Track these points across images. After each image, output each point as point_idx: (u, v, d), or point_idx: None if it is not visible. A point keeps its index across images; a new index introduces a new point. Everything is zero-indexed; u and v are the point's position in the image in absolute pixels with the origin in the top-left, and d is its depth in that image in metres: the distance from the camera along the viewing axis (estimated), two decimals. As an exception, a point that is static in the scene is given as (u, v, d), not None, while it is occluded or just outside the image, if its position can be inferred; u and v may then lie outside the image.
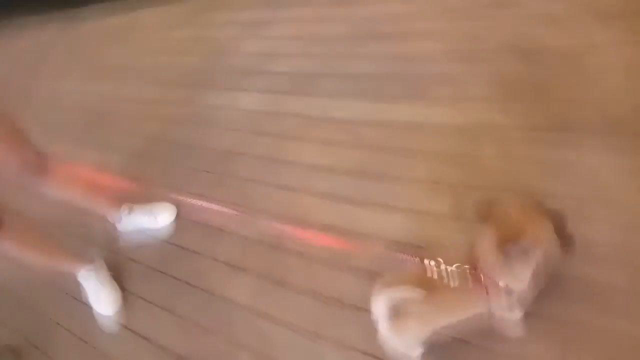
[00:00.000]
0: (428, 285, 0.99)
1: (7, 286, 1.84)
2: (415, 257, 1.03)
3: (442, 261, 1.01)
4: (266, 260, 1.53)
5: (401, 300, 1.00)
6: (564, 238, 0.97)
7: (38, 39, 3.61)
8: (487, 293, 0.98)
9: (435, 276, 1.00)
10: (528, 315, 1.09)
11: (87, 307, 1.65)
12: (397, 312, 1.01)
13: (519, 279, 0.99)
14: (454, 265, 1.01)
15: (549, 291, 1.08)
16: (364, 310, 1.08)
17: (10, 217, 1.31)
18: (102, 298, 1.65)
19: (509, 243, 0.93)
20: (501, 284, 0.98)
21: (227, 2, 2.92)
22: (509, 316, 1.07)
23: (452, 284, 0.99)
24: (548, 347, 1.08)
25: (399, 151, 1.61)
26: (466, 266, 0.99)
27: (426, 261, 1.01)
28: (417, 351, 1.11)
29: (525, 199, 1.01)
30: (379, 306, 1.01)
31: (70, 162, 1.48)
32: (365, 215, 1.49)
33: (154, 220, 1.79)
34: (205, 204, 1.68)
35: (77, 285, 1.66)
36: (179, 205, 1.80)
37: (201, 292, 1.55)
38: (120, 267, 1.73)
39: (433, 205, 1.41)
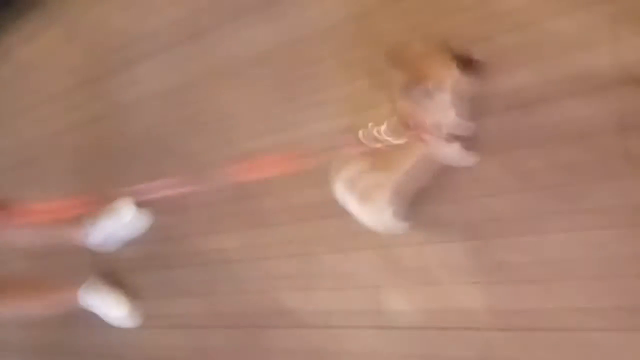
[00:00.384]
0: (372, 154, 1.05)
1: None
2: (351, 135, 1.06)
3: (372, 125, 1.05)
4: (238, 211, 1.59)
5: (355, 179, 1.07)
6: (472, 65, 1.03)
7: None
8: (422, 136, 1.04)
9: (374, 142, 1.04)
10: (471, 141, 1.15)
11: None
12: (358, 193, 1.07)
13: (437, 114, 1.05)
14: (384, 125, 1.04)
15: (479, 113, 1.14)
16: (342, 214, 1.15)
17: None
18: (110, 307, 1.75)
19: (413, 86, 0.99)
20: (427, 123, 1.03)
21: None
22: (451, 149, 1.13)
23: (390, 143, 1.03)
24: (501, 161, 1.15)
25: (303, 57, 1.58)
26: (394, 120, 1.04)
27: (360, 134, 1.04)
28: (397, 220, 1.18)
29: (430, 41, 1.06)
30: (340, 192, 1.09)
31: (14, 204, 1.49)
32: (293, 125, 1.52)
33: (119, 218, 1.76)
34: (155, 185, 1.70)
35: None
36: (134, 197, 1.80)
37: (195, 264, 1.67)
38: (115, 274, 1.81)
39: (351, 84, 1.42)
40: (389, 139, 1.03)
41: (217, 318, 1.60)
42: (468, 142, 1.15)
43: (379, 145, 1.04)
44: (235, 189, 1.60)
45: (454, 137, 1.11)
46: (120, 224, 1.76)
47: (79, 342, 1.98)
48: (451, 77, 1.03)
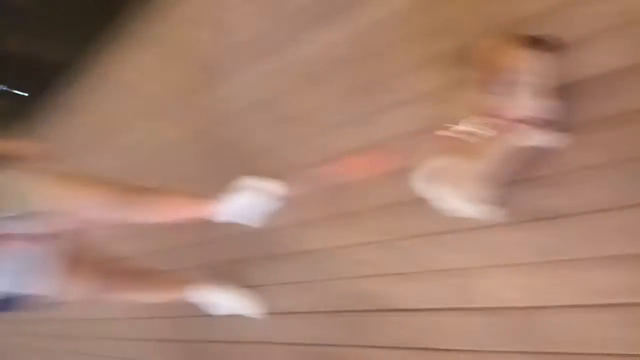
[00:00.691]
0: (458, 147, 1.05)
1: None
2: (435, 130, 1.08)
3: (455, 120, 1.06)
4: (327, 203, 1.70)
5: (441, 170, 1.07)
6: (545, 45, 1.01)
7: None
8: (508, 127, 1.03)
9: (458, 136, 1.05)
10: (562, 129, 1.13)
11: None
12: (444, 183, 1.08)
13: (521, 102, 1.03)
14: (467, 119, 1.04)
15: (571, 99, 1.12)
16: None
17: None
18: (224, 300, 1.92)
19: (492, 79, 1.00)
20: (512, 117, 1.03)
21: None
22: (540, 135, 1.10)
23: (476, 135, 1.03)
24: (599, 147, 1.11)
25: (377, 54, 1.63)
26: (478, 117, 1.04)
27: (443, 128, 1.05)
28: (487, 206, 1.16)
29: (494, 32, 1.07)
30: (425, 183, 1.09)
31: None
32: (376, 124, 1.59)
33: (254, 192, 1.75)
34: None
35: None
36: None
37: (299, 255, 1.80)
38: (223, 267, 2.01)
39: (431, 78, 1.44)
40: (474, 131, 1.04)
41: (320, 305, 1.72)
42: (558, 124, 1.13)
43: (463, 138, 1.05)
44: (329, 187, 1.70)
45: (542, 122, 1.09)
46: (254, 198, 1.77)
47: (193, 333, 2.20)
48: (527, 61, 1.03)
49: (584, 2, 1.14)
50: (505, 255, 1.28)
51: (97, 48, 3.24)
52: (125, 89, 3.07)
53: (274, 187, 1.78)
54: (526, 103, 1.06)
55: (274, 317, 1.87)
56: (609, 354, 1.10)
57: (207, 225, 1.74)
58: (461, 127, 1.06)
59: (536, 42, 1.03)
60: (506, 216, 1.23)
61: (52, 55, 3.86)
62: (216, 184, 2.05)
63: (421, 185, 1.12)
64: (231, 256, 2.06)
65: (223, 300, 1.91)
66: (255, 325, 1.91)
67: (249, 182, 1.85)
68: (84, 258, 1.58)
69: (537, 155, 1.17)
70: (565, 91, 1.14)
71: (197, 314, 2.03)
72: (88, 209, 1.42)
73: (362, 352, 1.57)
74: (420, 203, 1.25)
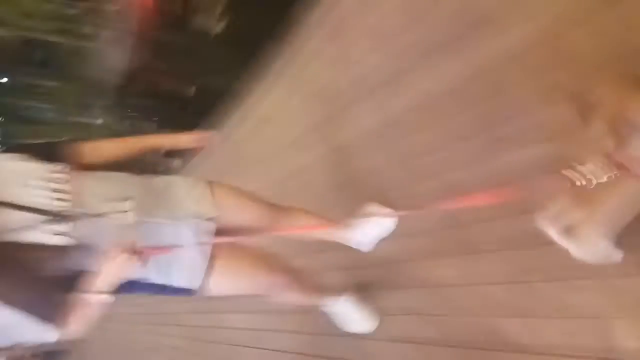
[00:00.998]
0: (580, 194, 1.03)
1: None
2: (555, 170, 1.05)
3: (576, 162, 1.03)
4: (453, 238, 1.76)
5: (561, 215, 1.07)
6: None
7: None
8: (634, 172, 0.99)
9: (582, 182, 1.02)
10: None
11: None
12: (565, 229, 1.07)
13: None
14: (590, 163, 1.02)
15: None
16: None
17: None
18: (357, 320, 2.04)
19: (619, 125, 0.97)
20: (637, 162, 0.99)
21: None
22: None
23: (599, 181, 1.00)
24: None
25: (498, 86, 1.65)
26: (602, 160, 1.01)
27: (566, 173, 1.03)
28: (613, 250, 1.15)
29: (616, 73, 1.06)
30: (547, 229, 1.09)
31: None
32: (497, 161, 1.63)
33: (375, 221, 2.00)
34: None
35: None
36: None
37: (424, 288, 1.86)
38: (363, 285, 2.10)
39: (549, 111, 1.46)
40: (596, 176, 1.02)
41: (441, 339, 1.76)
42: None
43: (584, 182, 1.02)
44: (446, 218, 1.76)
45: None
46: (376, 225, 2.01)
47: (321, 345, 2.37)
48: None
49: None
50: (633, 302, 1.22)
51: (248, 84, 3.71)
52: (271, 124, 3.44)
53: (392, 216, 2.00)
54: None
55: (391, 343, 1.96)
56: None
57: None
58: (585, 169, 1.05)
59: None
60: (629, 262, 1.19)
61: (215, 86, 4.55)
62: (344, 210, 2.25)
63: (545, 229, 1.14)
64: (357, 280, 2.20)
65: (352, 314, 2.04)
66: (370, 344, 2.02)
67: (373, 209, 2.01)
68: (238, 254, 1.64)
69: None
70: None
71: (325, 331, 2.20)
72: (248, 219, 1.65)
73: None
74: (548, 244, 1.26)
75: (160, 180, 1.53)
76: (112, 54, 8.34)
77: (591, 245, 1.13)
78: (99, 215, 1.25)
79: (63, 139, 1.53)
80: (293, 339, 2.65)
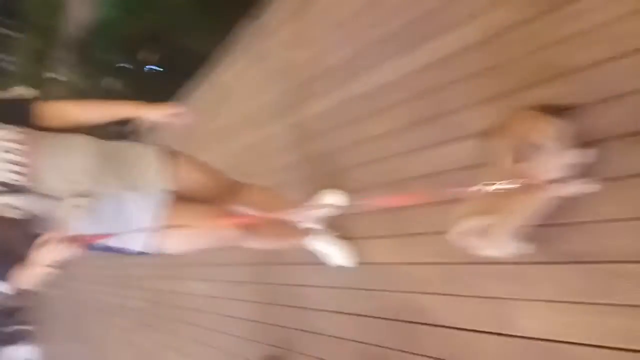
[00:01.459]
0: (490, 201, 1.20)
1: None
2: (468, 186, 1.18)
3: (489, 182, 1.17)
4: (388, 221, 1.93)
5: (474, 221, 1.23)
6: (565, 110, 1.20)
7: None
8: (538, 187, 1.17)
9: (491, 191, 1.17)
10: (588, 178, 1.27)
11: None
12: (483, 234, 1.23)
13: (549, 163, 1.18)
14: (501, 181, 1.16)
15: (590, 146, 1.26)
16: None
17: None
18: (336, 253, 2.09)
19: (521, 147, 1.17)
20: (542, 174, 1.17)
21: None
22: (570, 188, 1.25)
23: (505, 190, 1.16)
24: (620, 199, 1.25)
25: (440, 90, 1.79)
26: (508, 173, 1.18)
27: (477, 187, 1.18)
28: (523, 245, 1.31)
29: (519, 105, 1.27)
30: (464, 238, 1.26)
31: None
32: (436, 155, 1.76)
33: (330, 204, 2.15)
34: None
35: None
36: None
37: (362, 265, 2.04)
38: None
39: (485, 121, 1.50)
40: (502, 186, 1.15)
41: (375, 312, 1.94)
42: (586, 175, 1.25)
43: (492, 191, 1.15)
44: (392, 209, 1.90)
45: (570, 177, 1.23)
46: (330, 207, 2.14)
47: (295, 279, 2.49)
48: (550, 127, 1.19)
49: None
50: (533, 290, 1.40)
51: (214, 54, 3.71)
52: (232, 96, 3.48)
53: (344, 200, 2.11)
54: (554, 162, 1.20)
55: (334, 315, 2.12)
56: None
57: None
58: (496, 186, 1.17)
59: (558, 111, 1.18)
60: (537, 255, 1.36)
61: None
62: (300, 191, 2.36)
63: (459, 235, 1.29)
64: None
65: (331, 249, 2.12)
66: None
67: (326, 194, 2.14)
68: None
69: (568, 204, 1.29)
70: (598, 146, 1.25)
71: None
72: (204, 190, 1.67)
73: (406, 357, 1.76)
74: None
75: (120, 147, 1.53)
76: (79, 6, 8.04)
77: (502, 245, 1.29)
78: (53, 194, 1.28)
79: (28, 96, 1.46)
80: (246, 307, 2.80)
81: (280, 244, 2.13)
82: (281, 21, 2.93)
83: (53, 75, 8.57)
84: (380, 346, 1.89)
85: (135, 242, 1.49)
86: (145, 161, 1.54)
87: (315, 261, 2.19)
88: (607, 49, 1.32)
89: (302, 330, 2.31)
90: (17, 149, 1.24)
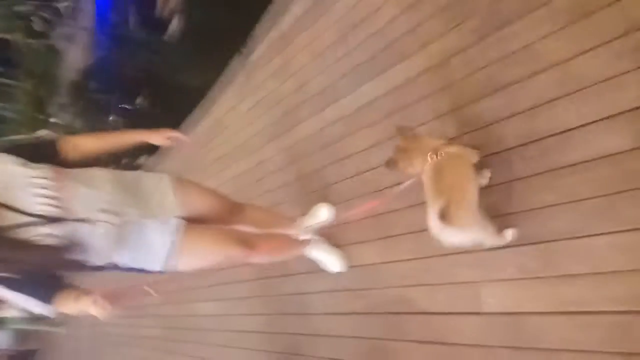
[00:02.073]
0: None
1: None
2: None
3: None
4: (372, 227, 2.17)
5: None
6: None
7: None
8: None
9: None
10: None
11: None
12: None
13: None
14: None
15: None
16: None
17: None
18: (331, 260, 2.31)
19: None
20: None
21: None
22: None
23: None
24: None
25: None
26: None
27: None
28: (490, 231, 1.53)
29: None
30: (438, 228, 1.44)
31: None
32: None
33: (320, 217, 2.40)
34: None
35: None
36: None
37: (352, 267, 2.29)
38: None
39: None
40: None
41: (366, 309, 2.17)
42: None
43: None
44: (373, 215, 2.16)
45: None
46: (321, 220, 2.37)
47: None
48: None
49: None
50: (496, 273, 1.65)
51: (205, 87, 4.02)
52: (227, 128, 3.76)
53: (332, 212, 2.37)
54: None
55: (331, 317, 2.35)
56: (571, 350, 1.43)
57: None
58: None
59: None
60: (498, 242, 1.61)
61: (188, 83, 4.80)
62: (295, 207, 2.61)
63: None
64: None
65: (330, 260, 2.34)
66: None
67: (318, 208, 2.39)
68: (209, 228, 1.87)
69: (513, 196, 1.58)
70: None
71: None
72: (209, 212, 1.90)
73: (397, 345, 1.99)
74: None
75: (136, 176, 1.74)
76: (68, 51, 8.37)
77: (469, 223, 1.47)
78: (82, 220, 1.48)
79: (51, 137, 1.67)
80: (253, 320, 3.03)
81: (283, 256, 2.36)
82: (267, 56, 3.22)
83: (54, 120, 8.80)
84: (376, 339, 2.12)
85: (155, 264, 1.71)
86: (160, 190, 1.74)
87: (313, 269, 2.43)
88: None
89: (306, 334, 2.54)
90: (51, 185, 1.46)
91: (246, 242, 1.91)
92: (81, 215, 1.49)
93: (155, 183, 1.77)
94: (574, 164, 1.48)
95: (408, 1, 2.12)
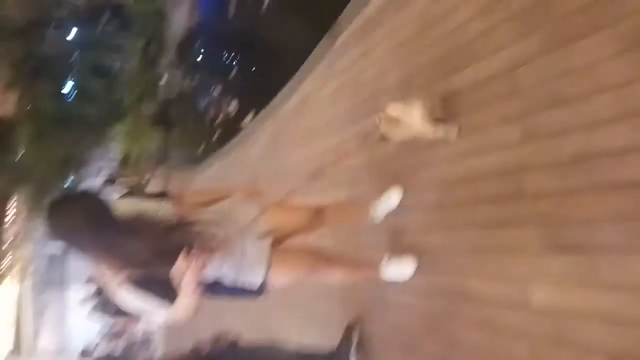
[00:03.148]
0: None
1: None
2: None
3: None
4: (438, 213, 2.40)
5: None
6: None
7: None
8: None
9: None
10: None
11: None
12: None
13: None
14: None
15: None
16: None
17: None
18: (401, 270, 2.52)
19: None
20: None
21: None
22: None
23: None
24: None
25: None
26: None
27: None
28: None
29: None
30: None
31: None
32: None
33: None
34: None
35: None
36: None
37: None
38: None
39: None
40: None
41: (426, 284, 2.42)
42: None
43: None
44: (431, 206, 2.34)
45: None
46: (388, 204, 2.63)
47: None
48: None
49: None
50: (546, 273, 1.81)
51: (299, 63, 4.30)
52: (313, 104, 4.04)
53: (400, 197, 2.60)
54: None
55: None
56: (602, 352, 1.57)
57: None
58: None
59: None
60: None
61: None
62: (369, 187, 2.86)
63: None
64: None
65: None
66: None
67: (392, 192, 2.62)
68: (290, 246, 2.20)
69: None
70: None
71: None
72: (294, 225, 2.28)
73: (451, 323, 2.23)
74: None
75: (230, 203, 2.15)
76: (175, 13, 9.01)
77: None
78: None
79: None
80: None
81: (357, 276, 2.64)
82: (349, 43, 3.40)
83: (156, 75, 9.54)
84: (434, 316, 2.38)
85: (247, 274, 1.97)
86: (248, 213, 2.10)
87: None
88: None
89: (377, 300, 2.85)
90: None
91: (328, 259, 2.29)
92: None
93: (245, 209, 2.13)
94: (625, 184, 1.56)
95: (484, 3, 2.18)
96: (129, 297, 1.77)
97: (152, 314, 1.84)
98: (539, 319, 1.81)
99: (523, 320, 1.88)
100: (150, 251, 1.69)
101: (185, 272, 1.72)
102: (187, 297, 1.76)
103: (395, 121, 2.20)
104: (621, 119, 1.58)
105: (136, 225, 1.72)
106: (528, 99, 1.92)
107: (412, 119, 2.15)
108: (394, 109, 2.18)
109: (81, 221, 1.68)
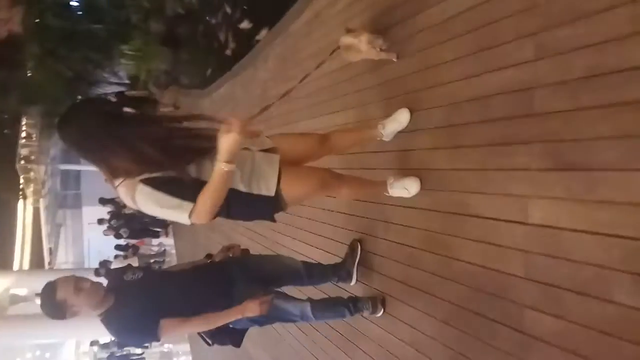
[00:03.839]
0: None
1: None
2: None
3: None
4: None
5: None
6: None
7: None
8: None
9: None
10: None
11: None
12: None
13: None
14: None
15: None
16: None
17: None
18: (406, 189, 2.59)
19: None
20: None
21: None
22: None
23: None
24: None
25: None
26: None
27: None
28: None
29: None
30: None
31: None
32: None
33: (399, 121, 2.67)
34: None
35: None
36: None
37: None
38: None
39: None
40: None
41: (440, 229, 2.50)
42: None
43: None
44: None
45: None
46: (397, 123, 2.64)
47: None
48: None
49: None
50: (545, 190, 1.86)
51: None
52: (323, 26, 3.93)
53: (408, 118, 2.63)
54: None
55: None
56: (592, 264, 1.66)
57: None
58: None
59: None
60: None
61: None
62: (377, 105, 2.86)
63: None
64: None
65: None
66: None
67: (401, 112, 2.63)
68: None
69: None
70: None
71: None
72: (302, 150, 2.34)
73: (453, 240, 2.33)
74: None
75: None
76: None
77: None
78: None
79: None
80: (337, 201, 3.49)
81: (366, 192, 2.83)
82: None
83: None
84: (436, 232, 2.47)
85: (259, 186, 2.02)
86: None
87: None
88: None
89: (380, 220, 2.96)
90: None
91: (336, 175, 2.40)
92: None
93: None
94: (632, 101, 1.56)
95: None
96: (148, 200, 1.78)
97: (172, 215, 1.81)
98: (536, 235, 1.89)
99: (520, 236, 1.96)
100: (164, 138, 1.81)
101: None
102: (207, 193, 1.75)
103: (349, 47, 2.72)
104: (635, 36, 1.55)
105: (145, 118, 1.89)
106: (543, 15, 1.86)
107: (360, 45, 2.64)
108: (346, 39, 2.71)
109: (90, 123, 1.73)
